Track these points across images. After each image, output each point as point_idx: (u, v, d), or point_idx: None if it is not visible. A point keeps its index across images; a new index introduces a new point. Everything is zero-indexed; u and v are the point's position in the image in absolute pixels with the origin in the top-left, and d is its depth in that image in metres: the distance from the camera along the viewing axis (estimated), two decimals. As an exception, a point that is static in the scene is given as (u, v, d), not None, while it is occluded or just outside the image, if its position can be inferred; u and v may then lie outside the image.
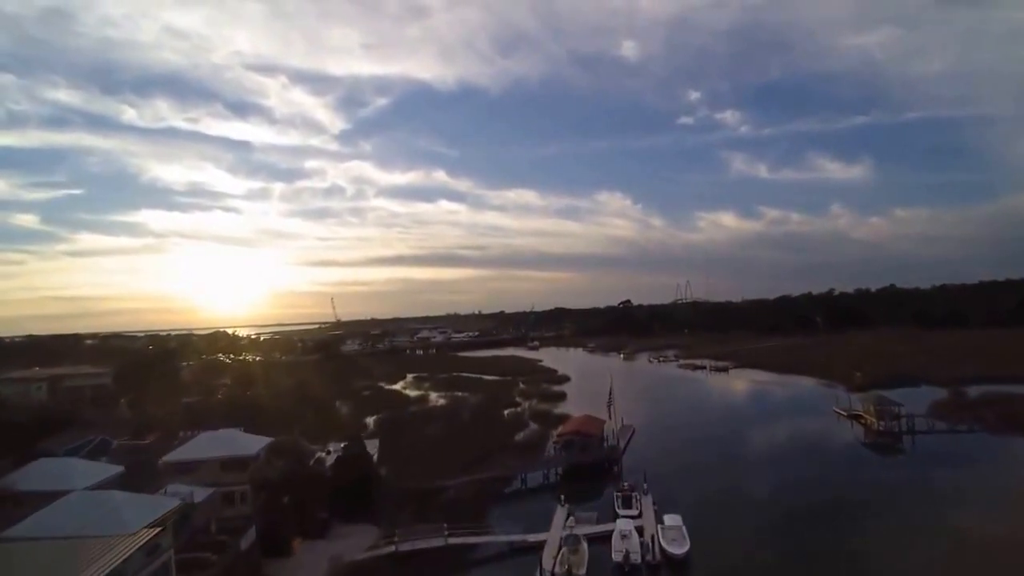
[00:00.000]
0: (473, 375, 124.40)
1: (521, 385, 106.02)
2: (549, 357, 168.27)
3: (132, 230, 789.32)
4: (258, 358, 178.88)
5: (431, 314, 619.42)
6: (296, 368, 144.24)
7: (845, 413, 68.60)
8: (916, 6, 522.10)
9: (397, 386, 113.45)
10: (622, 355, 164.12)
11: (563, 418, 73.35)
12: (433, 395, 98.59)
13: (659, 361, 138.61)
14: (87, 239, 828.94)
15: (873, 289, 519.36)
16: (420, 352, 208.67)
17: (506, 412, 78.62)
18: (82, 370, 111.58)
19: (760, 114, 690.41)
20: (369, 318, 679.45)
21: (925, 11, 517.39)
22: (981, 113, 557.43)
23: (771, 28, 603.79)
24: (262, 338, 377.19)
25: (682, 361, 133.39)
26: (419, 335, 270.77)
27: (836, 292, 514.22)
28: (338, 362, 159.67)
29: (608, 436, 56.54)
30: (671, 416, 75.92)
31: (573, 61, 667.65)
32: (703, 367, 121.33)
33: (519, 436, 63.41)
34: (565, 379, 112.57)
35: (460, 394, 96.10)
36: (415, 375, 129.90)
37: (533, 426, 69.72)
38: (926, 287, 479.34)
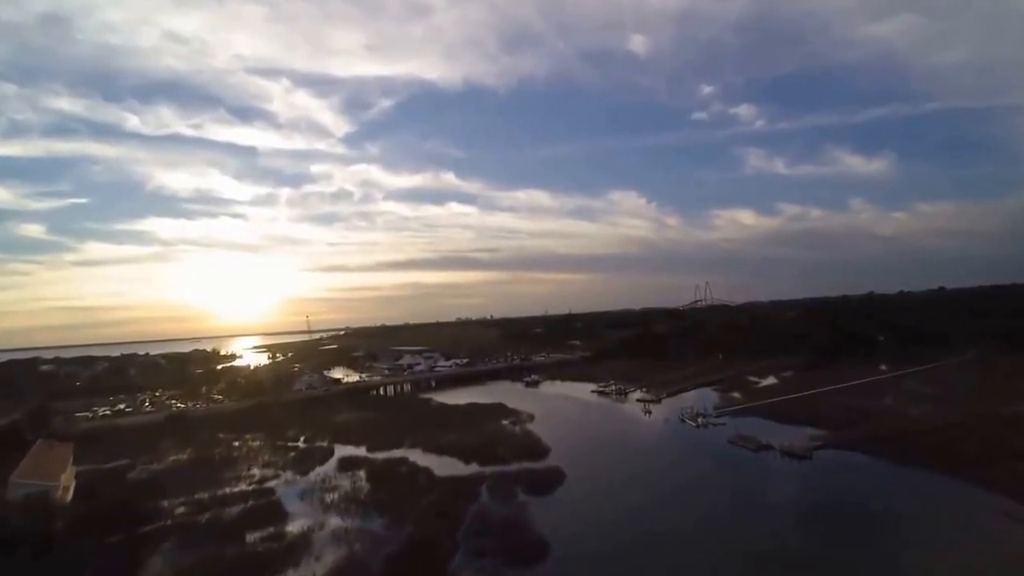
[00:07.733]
0: (428, 455, 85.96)
1: (484, 494, 66.63)
2: (546, 407, 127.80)
3: (139, 238, 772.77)
4: (177, 403, 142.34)
5: (442, 319, 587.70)
6: (200, 428, 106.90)
7: None
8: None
9: (300, 488, 74.06)
10: (643, 404, 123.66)
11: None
12: (333, 526, 59.29)
13: (696, 425, 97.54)
14: (95, 248, 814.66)
15: (919, 290, 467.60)
16: (392, 390, 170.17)
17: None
18: None
19: (776, 108, 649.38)
20: (379, 324, 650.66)
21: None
22: (1007, 103, 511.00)
23: (784, 18, 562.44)
24: (243, 360, 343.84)
25: (732, 432, 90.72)
26: (399, 360, 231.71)
27: (875, 294, 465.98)
28: (270, 413, 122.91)
29: None
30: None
31: (581, 57, 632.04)
32: (769, 446, 79.93)
33: None
34: (556, 479, 71.76)
35: (378, 526, 57.22)
36: (347, 453, 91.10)
37: None
38: (972, 286, 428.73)
